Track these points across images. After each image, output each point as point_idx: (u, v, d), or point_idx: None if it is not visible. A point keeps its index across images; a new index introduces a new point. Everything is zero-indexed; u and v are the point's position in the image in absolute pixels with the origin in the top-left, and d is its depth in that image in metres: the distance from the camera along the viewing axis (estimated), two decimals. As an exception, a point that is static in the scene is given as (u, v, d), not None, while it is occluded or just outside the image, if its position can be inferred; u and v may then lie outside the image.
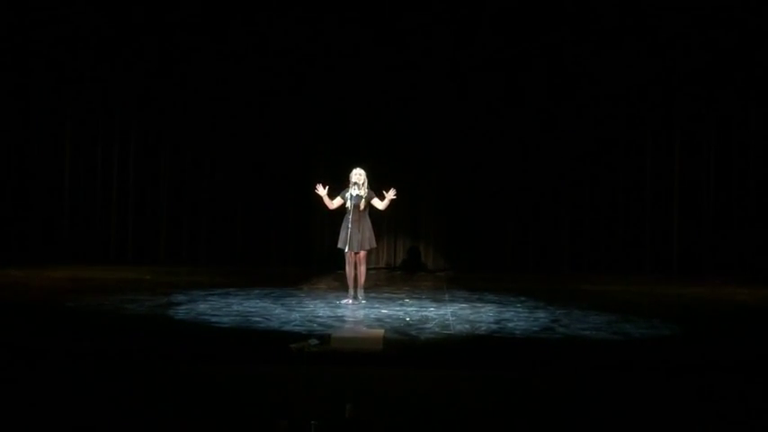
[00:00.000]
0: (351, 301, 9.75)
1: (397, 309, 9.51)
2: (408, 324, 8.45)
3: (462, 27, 13.54)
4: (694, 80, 13.38)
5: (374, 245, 10.00)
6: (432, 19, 13.49)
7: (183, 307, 9.29)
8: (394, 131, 13.82)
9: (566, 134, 13.69)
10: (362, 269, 9.86)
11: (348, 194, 9.66)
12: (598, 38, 13.41)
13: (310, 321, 8.44)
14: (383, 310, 9.34)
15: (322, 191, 9.76)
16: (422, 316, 9.00)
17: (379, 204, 9.76)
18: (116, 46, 13.77)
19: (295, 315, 8.84)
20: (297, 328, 7.97)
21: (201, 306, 9.36)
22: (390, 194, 9.65)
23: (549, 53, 13.48)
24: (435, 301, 10.24)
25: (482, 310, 9.52)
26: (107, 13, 13.66)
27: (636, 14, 13.25)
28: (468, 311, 9.38)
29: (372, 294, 10.36)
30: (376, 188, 9.96)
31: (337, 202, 9.79)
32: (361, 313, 9.19)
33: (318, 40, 13.61)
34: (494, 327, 8.39)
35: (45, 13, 13.65)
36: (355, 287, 9.87)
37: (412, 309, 9.53)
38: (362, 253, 9.77)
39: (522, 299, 10.37)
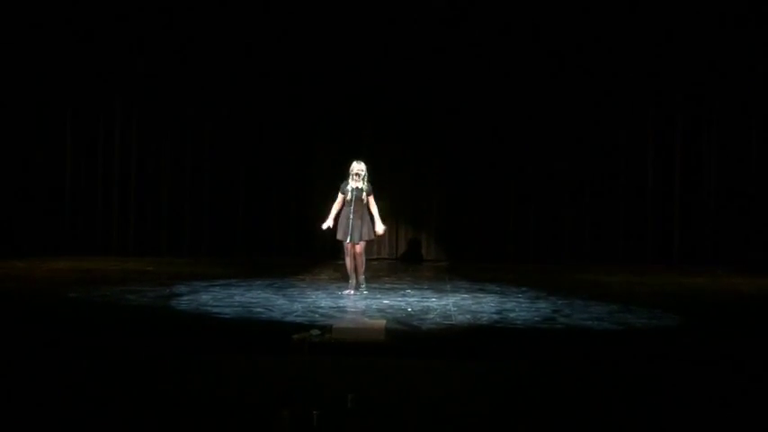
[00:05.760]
0: (352, 292, 9.77)
1: (399, 299, 9.52)
2: (410, 314, 8.47)
3: (465, 18, 13.53)
4: (696, 71, 13.38)
5: (372, 236, 10.00)
6: (436, 7, 13.49)
7: (185, 298, 9.30)
8: (395, 121, 13.83)
9: (566, 125, 13.70)
10: (361, 259, 9.86)
11: (348, 187, 9.66)
12: (598, 32, 13.41)
13: (312, 312, 8.45)
14: (385, 301, 9.35)
15: (329, 223, 9.81)
16: (423, 306, 9.01)
17: (372, 208, 9.78)
18: (117, 39, 13.75)
19: (297, 306, 8.86)
20: (299, 319, 7.98)
21: (203, 297, 9.37)
22: (378, 230, 9.78)
23: (550, 47, 13.47)
24: (437, 291, 10.25)
25: (483, 300, 9.53)
26: (108, 9, 13.65)
27: (638, 11, 13.26)
28: (470, 302, 9.39)
29: (374, 285, 10.37)
30: (377, 181, 9.97)
31: (340, 199, 9.77)
32: (362, 304, 9.21)
33: (319, 28, 13.60)
34: (495, 317, 8.40)
35: (47, 9, 13.65)
36: (356, 277, 9.88)
37: (414, 299, 9.55)
38: (361, 243, 9.78)
39: (524, 289, 10.39)
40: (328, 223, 9.83)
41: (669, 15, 13.22)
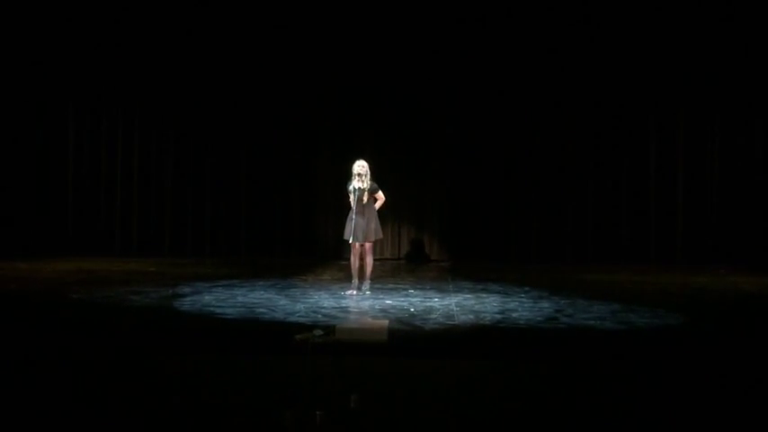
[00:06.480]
0: (355, 292, 9.76)
1: (402, 299, 9.51)
2: (413, 314, 8.46)
3: (466, 19, 13.54)
4: (698, 68, 13.37)
5: (380, 236, 9.99)
6: (437, 7, 13.50)
7: (188, 299, 9.31)
8: (398, 122, 13.84)
9: (569, 124, 13.70)
10: (369, 260, 9.84)
11: (351, 187, 9.65)
12: (599, 29, 13.41)
13: (315, 312, 8.45)
14: (387, 301, 9.35)
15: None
16: (426, 306, 9.01)
17: (377, 202, 9.76)
18: (118, 38, 13.77)
19: (299, 306, 8.86)
20: (301, 320, 7.98)
21: (206, 298, 9.37)
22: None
23: (551, 46, 13.47)
24: (440, 291, 10.24)
25: (486, 300, 9.53)
26: (109, 7, 13.67)
27: (640, 6, 13.26)
28: (473, 302, 9.39)
29: (377, 285, 10.37)
30: (380, 179, 9.97)
31: (351, 198, 9.75)
32: (365, 304, 9.20)
33: (321, 28, 13.61)
34: (498, 317, 8.39)
35: (49, 8, 13.67)
36: (360, 278, 9.87)
37: (416, 299, 9.54)
38: (368, 244, 9.76)
39: (527, 289, 10.38)
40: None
41: (670, 15, 13.22)
